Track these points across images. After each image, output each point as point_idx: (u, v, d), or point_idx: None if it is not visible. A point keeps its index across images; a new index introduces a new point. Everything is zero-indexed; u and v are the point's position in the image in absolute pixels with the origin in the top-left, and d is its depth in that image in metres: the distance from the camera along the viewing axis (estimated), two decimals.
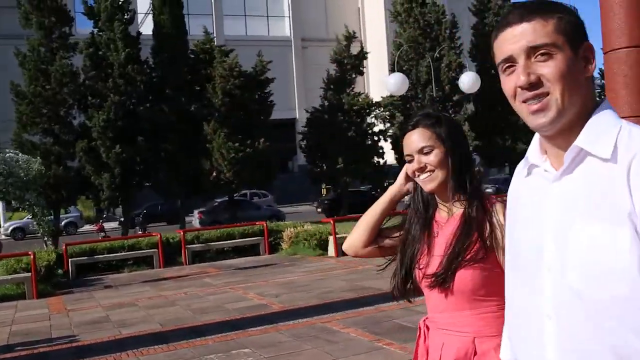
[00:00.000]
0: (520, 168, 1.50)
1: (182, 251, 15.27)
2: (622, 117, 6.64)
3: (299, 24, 52.62)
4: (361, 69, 29.95)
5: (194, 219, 28.78)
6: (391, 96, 29.61)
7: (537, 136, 1.43)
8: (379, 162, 29.42)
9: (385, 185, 27.82)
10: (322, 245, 14.85)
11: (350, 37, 29.50)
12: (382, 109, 29.94)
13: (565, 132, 1.32)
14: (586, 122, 1.32)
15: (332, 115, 28.51)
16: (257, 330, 7.38)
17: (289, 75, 50.78)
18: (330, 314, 7.90)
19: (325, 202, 33.15)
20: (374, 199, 2.40)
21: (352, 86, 29.77)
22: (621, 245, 1.21)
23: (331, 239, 14.43)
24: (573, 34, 1.32)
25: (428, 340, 2.03)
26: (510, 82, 1.34)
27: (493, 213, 1.92)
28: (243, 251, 16.12)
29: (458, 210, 1.99)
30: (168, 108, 24.33)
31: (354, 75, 29.58)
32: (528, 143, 1.45)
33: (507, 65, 1.35)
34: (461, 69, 28.88)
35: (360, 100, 29.11)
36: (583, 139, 1.30)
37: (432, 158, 1.96)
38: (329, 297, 9.21)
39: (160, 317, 8.80)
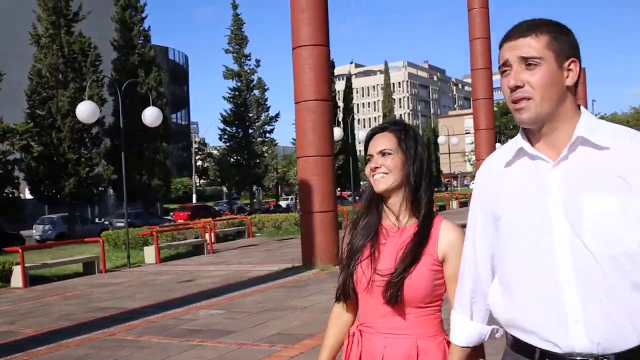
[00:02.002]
0: (496, 162, 1.73)
1: None
2: (309, 157, 9.10)
3: None
4: None
5: None
6: (27, 122, 28.16)
7: (519, 137, 1.68)
8: (13, 193, 27.34)
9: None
10: None
11: None
12: (18, 137, 28.02)
13: (555, 128, 1.60)
14: (569, 120, 1.60)
15: None
16: None
17: None
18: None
19: None
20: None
21: None
22: (631, 211, 1.50)
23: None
24: (561, 51, 1.58)
25: (361, 346, 2.05)
26: (505, 83, 1.62)
27: (441, 228, 2.02)
28: None
29: (408, 221, 2.05)
30: None
31: None
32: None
33: (504, 69, 1.63)
34: (103, 102, 28.96)
35: None
36: (583, 131, 1.57)
37: (388, 162, 2.02)
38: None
39: None
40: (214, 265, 14.33)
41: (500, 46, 1.64)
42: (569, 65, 1.59)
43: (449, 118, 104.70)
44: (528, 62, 1.57)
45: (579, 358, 1.55)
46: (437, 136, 70.04)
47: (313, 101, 12.45)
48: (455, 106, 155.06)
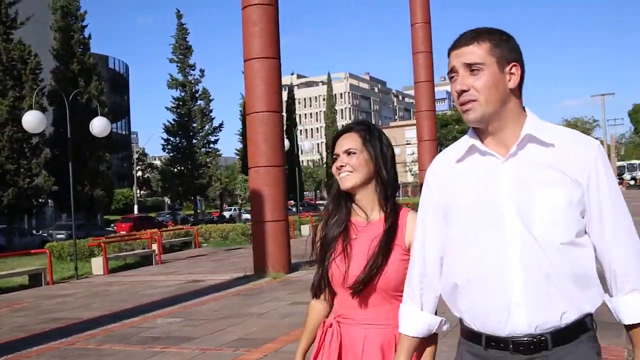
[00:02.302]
0: (446, 159, 1.85)
1: None
2: (260, 167, 9.50)
3: None
4: None
5: None
6: None
7: (467, 138, 1.81)
8: None
9: None
10: None
11: None
12: None
13: (502, 127, 1.73)
14: (516, 120, 1.73)
15: None
16: None
17: None
18: None
19: None
20: None
21: None
22: (574, 204, 1.67)
23: None
24: (502, 56, 1.71)
25: (340, 337, 2.14)
26: (453, 88, 1.76)
27: (407, 220, 2.12)
28: None
29: (377, 216, 2.15)
30: None
31: None
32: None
33: (451, 75, 1.76)
34: (43, 111, 28.36)
35: None
36: (530, 129, 1.71)
37: (353, 160, 2.11)
38: None
39: None
40: (165, 275, 14.33)
41: (448, 54, 1.77)
42: (511, 69, 1.73)
43: (391, 129, 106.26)
44: (472, 68, 1.71)
45: (519, 339, 1.69)
46: None
47: (264, 112, 12.69)
48: (396, 117, 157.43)
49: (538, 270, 1.66)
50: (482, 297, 1.71)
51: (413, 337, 1.90)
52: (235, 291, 10.71)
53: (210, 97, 43.62)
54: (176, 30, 43.21)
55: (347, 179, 2.12)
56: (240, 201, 54.06)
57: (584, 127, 76.25)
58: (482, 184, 1.72)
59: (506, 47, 1.72)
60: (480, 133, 1.77)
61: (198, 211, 46.10)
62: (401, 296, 2.00)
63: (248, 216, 45.68)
